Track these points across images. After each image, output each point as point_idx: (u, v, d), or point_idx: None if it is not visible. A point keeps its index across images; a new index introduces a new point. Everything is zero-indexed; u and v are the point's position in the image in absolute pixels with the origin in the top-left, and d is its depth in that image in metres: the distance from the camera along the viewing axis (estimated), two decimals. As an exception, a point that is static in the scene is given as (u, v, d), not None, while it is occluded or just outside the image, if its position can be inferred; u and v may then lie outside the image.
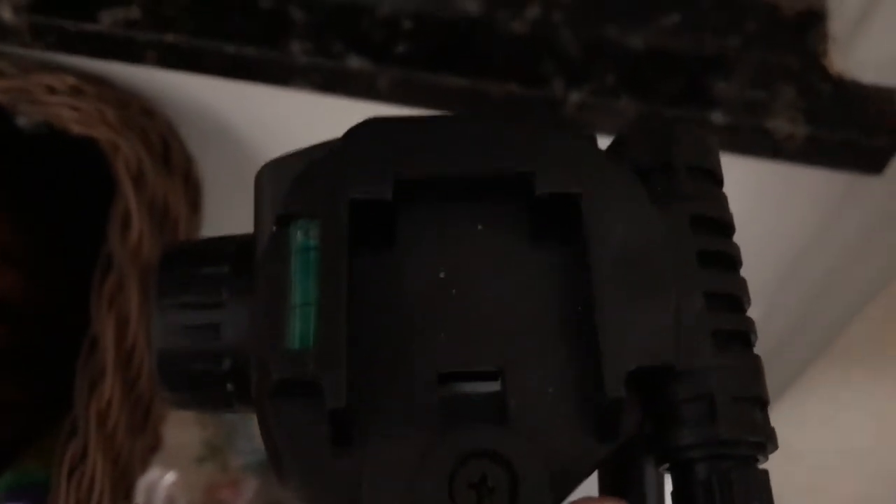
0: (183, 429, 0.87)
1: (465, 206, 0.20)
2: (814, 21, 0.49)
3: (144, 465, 0.62)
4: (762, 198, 0.53)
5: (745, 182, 0.51)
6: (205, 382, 0.22)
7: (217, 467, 0.89)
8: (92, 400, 0.52)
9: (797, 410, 0.59)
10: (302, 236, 0.20)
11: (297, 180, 0.20)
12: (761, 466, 0.19)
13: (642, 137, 0.21)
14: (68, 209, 0.62)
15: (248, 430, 0.94)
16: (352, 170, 0.20)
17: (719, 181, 0.21)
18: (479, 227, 0.21)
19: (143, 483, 0.85)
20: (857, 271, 0.54)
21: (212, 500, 0.88)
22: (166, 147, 0.55)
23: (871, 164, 0.48)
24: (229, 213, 0.52)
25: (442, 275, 0.20)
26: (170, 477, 0.85)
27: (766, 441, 0.19)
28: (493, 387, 0.19)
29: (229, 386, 0.22)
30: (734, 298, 0.20)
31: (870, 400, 0.58)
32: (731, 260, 0.20)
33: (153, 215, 0.53)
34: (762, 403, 0.19)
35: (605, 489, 0.22)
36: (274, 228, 0.20)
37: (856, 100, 0.48)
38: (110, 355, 0.52)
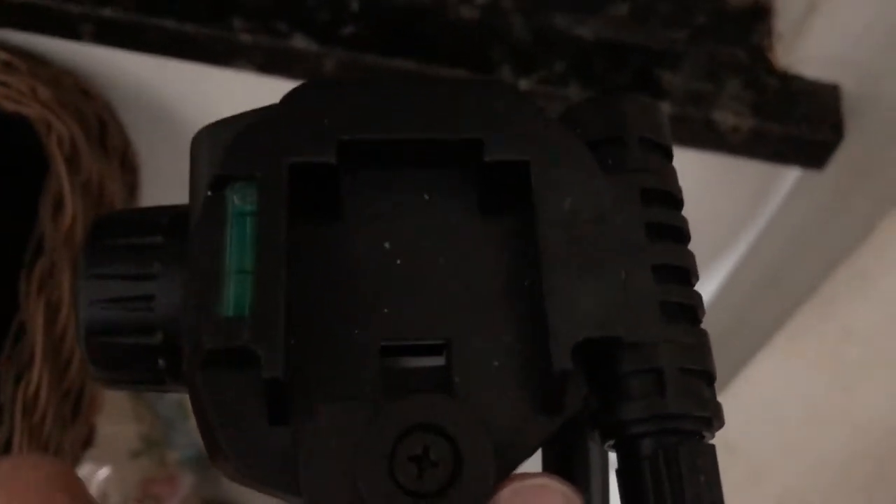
0: (118, 422, 0.84)
1: (410, 173, 0.20)
2: (760, 16, 0.50)
3: (76, 459, 0.60)
4: (706, 189, 0.53)
5: (690, 173, 0.51)
6: (134, 357, 0.21)
7: (153, 462, 0.87)
8: (18, 388, 0.50)
9: (737, 402, 0.59)
10: (238, 200, 0.19)
11: (234, 142, 0.19)
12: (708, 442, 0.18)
13: (593, 109, 0.21)
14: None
15: (186, 425, 0.92)
16: (292, 132, 0.19)
17: (669, 155, 0.21)
18: (426, 195, 0.20)
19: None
20: (797, 265, 0.55)
21: (147, 495, 0.85)
22: (102, 127, 0.53)
23: (813, 158, 0.49)
24: (167, 196, 0.50)
25: (387, 245, 0.19)
26: (103, 472, 0.83)
27: (713, 417, 0.19)
28: (438, 360, 0.19)
29: (161, 362, 0.21)
30: (683, 271, 0.19)
31: (809, 392, 0.59)
32: (680, 233, 0.20)
33: (88, 197, 0.51)
34: (709, 378, 0.19)
35: (548, 467, 0.21)
36: (209, 192, 0.19)
37: (799, 95, 0.49)
38: (39, 342, 0.50)
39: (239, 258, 0.18)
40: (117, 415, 0.86)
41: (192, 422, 0.95)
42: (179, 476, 0.91)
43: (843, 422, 0.59)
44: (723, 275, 0.63)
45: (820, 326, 0.54)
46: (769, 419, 0.60)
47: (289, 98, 0.20)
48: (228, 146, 0.19)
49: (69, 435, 0.55)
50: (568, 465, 0.21)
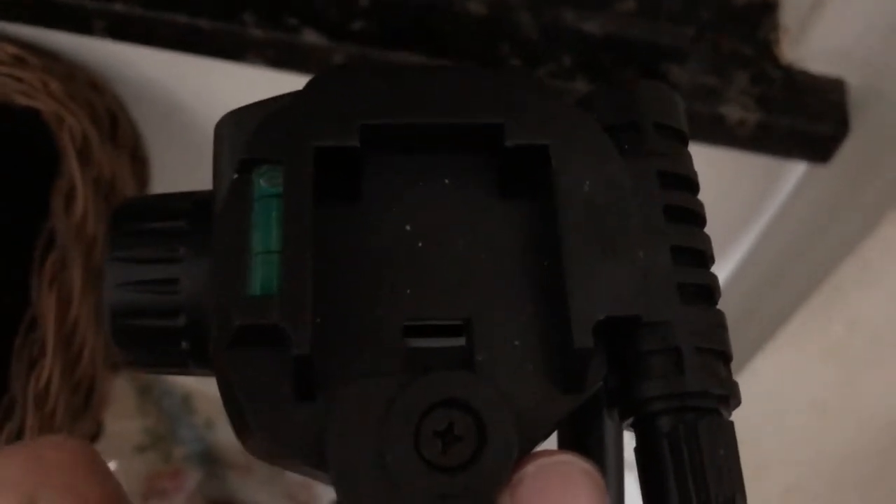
0: (124, 417, 0.85)
1: (431, 157, 0.20)
2: (766, 11, 0.50)
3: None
4: (712, 183, 0.54)
5: (696, 167, 0.51)
6: (158, 339, 0.21)
7: (159, 457, 0.87)
8: (30, 380, 0.50)
9: (742, 394, 0.59)
10: (265, 183, 0.19)
11: (259, 127, 0.19)
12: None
13: (610, 94, 0.21)
14: (7, 183, 0.60)
15: (191, 420, 0.92)
16: (317, 116, 0.19)
17: (685, 140, 0.21)
18: (446, 179, 0.20)
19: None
20: (803, 259, 0.55)
21: (153, 490, 0.86)
22: (113, 121, 0.53)
23: (818, 152, 0.49)
24: (177, 189, 0.51)
25: (408, 227, 0.20)
26: (110, 466, 0.83)
27: (730, 395, 0.19)
28: (460, 341, 0.19)
29: (184, 344, 0.21)
30: (700, 253, 0.20)
31: (815, 385, 0.59)
32: (697, 216, 0.20)
33: (99, 191, 0.51)
34: (726, 358, 0.19)
35: (564, 444, 0.21)
36: (235, 175, 0.19)
37: (805, 89, 0.49)
38: (51, 335, 0.50)
39: (265, 239, 0.19)
40: (123, 410, 0.87)
41: (197, 417, 0.95)
42: (185, 471, 0.91)
43: (849, 415, 0.60)
44: (729, 268, 0.63)
45: (825, 320, 0.54)
46: (775, 412, 0.61)
47: (313, 84, 0.20)
48: (255, 130, 0.19)
49: (79, 428, 0.56)
50: (584, 443, 0.22)
